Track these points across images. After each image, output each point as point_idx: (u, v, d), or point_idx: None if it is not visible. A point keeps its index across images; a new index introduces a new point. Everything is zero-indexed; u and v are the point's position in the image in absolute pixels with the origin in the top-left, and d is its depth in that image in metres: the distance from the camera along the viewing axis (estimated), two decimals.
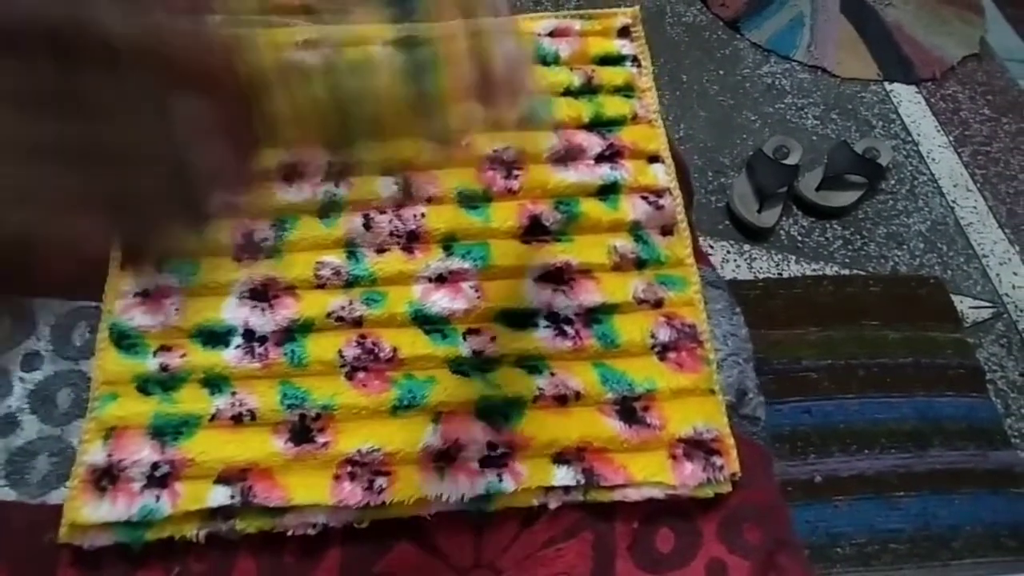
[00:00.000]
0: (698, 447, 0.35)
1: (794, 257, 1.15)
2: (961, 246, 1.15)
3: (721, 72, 1.29)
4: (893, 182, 1.20)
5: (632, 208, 0.41)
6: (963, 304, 1.11)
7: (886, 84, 1.25)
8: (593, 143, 0.43)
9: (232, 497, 0.33)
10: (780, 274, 1.15)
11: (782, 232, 1.19)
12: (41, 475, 0.35)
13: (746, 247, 1.17)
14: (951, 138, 1.22)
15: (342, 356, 0.37)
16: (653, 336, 0.38)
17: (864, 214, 1.18)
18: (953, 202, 1.18)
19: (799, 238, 1.17)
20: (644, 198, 0.42)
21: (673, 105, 1.28)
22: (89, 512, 0.33)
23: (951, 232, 1.16)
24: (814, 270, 1.15)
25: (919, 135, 1.21)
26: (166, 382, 0.36)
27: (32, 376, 0.38)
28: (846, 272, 1.14)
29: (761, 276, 1.16)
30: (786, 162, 1.17)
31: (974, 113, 1.24)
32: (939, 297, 1.13)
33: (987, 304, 1.12)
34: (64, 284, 0.40)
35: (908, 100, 1.23)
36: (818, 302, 1.13)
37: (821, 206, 1.18)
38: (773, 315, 1.11)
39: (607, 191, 0.42)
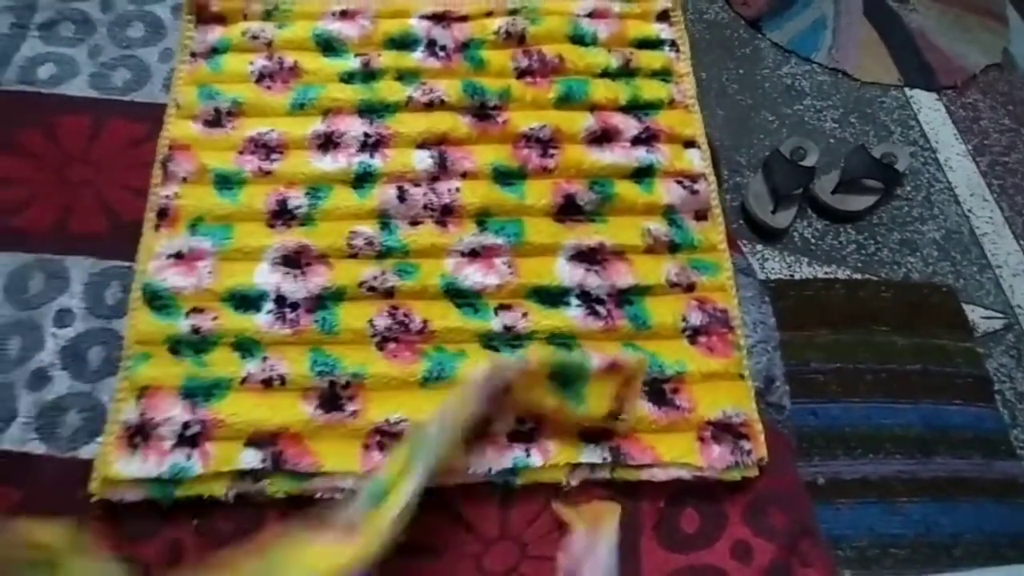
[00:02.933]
0: (727, 430, 0.36)
1: (807, 259, 1.15)
2: (975, 256, 1.15)
3: (741, 71, 1.29)
4: (909, 188, 1.20)
5: (667, 192, 0.41)
6: (974, 314, 1.11)
7: (906, 90, 1.25)
8: (629, 125, 0.43)
9: (263, 460, 0.33)
10: (792, 276, 1.15)
11: (796, 234, 1.19)
12: (72, 430, 0.35)
13: (759, 247, 1.17)
14: (970, 147, 1.22)
15: (373, 326, 0.37)
16: (684, 319, 0.38)
17: (879, 219, 1.18)
18: (969, 211, 1.18)
19: (812, 240, 1.17)
20: (679, 182, 0.42)
21: None
22: (121, 467, 0.33)
23: (966, 241, 1.16)
24: (826, 273, 1.15)
25: (937, 142, 1.21)
26: (197, 344, 0.36)
27: (64, 332, 0.38)
28: (858, 276, 1.14)
29: (773, 277, 1.16)
30: (803, 164, 1.17)
31: (994, 123, 1.24)
32: (950, 306, 1.13)
33: (998, 315, 1.12)
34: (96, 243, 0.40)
35: (928, 107, 1.23)
36: (829, 305, 1.13)
37: (836, 209, 1.18)
38: (783, 316, 1.11)
39: (642, 174, 0.42)
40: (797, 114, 1.24)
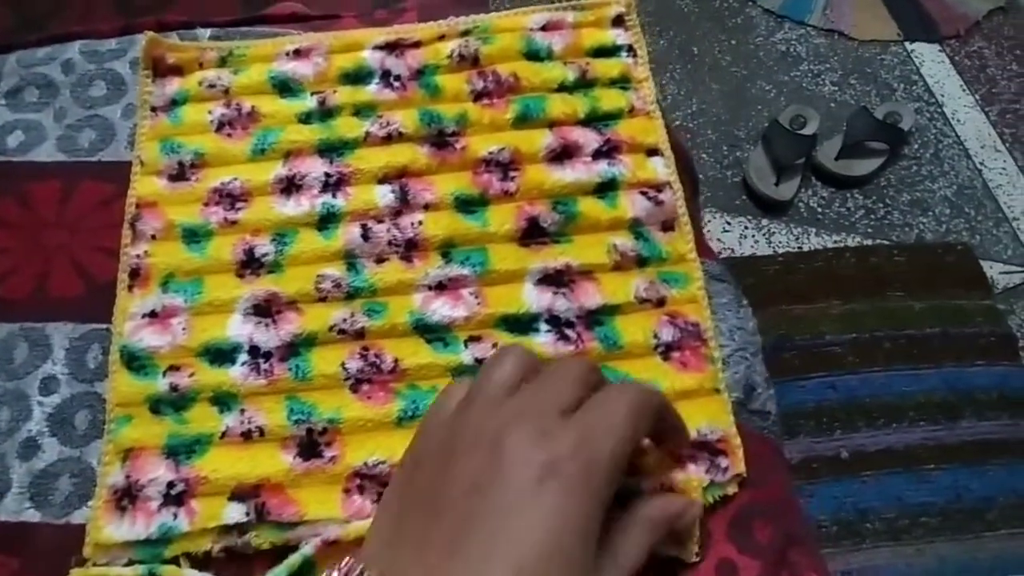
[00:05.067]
0: (703, 448, 0.35)
1: (814, 230, 1.13)
2: (990, 210, 1.11)
3: (733, 42, 1.26)
4: (916, 147, 1.16)
5: (631, 205, 0.41)
6: (993, 270, 1.08)
7: (907, 44, 1.21)
8: (590, 139, 0.42)
9: (247, 514, 0.34)
10: (800, 248, 1.13)
11: (801, 204, 1.16)
12: (64, 495, 0.36)
13: (764, 222, 1.16)
14: (977, 97, 1.18)
15: (345, 369, 0.37)
16: (656, 336, 0.38)
17: (887, 181, 1.15)
18: (981, 164, 1.14)
19: (819, 210, 1.15)
20: (643, 193, 0.41)
21: (685, 79, 1.25)
22: (111, 531, 0.34)
23: (979, 195, 1.12)
24: (835, 242, 1.13)
25: (943, 96, 1.17)
26: (176, 402, 0.37)
27: (50, 400, 0.39)
28: (869, 242, 1.12)
29: (780, 251, 1.14)
30: (803, 132, 1.15)
31: (1001, 69, 1.19)
32: (967, 264, 1.10)
33: (1018, 268, 1.09)
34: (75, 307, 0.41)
35: (931, 60, 1.19)
36: (840, 275, 1.11)
37: (841, 176, 1.15)
38: (794, 290, 1.10)
39: (605, 188, 0.41)
40: (794, 81, 1.21)
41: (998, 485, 1.00)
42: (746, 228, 1.11)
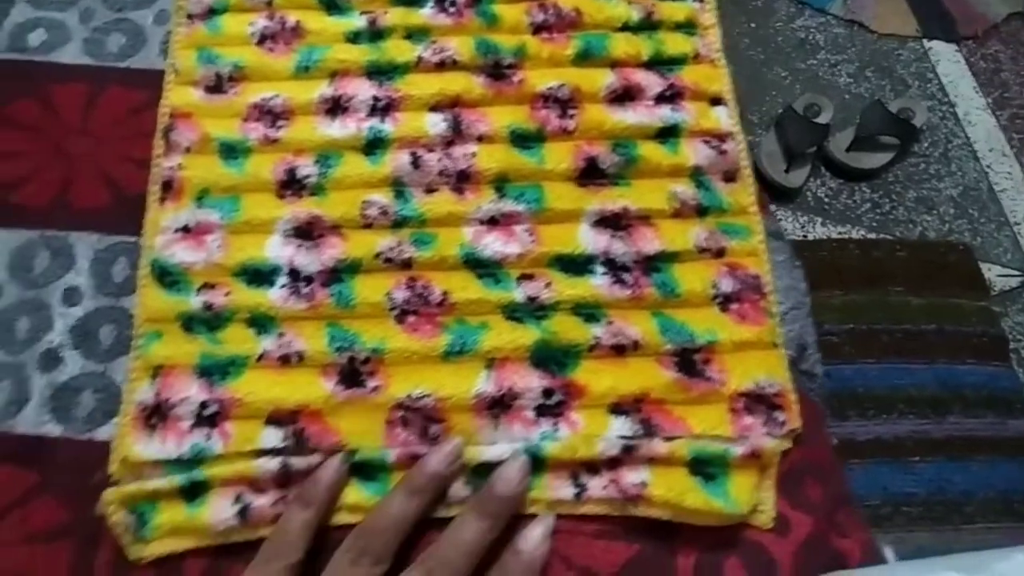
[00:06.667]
0: (760, 401, 0.34)
1: (820, 219, 1.13)
2: (993, 213, 1.13)
3: (752, 25, 1.25)
4: (926, 144, 1.17)
5: (694, 152, 0.39)
6: (991, 272, 1.10)
7: (925, 41, 1.21)
8: (653, 83, 0.41)
9: (285, 439, 0.33)
10: (805, 236, 1.13)
11: (809, 193, 1.16)
12: (87, 411, 0.34)
13: (772, 208, 1.15)
14: (990, 100, 1.19)
15: (391, 299, 0.36)
16: (715, 286, 0.37)
17: (894, 177, 1.15)
18: (988, 167, 1.15)
19: (826, 200, 1.15)
20: (706, 142, 0.40)
21: None
22: (140, 449, 0.32)
23: (983, 198, 1.13)
24: (840, 233, 1.13)
25: (956, 96, 1.18)
26: (211, 321, 0.35)
27: (73, 311, 0.36)
28: (873, 236, 1.12)
29: (786, 238, 1.14)
30: (817, 121, 1.14)
31: (1015, 74, 1.20)
32: (967, 264, 1.11)
33: (1016, 273, 1.11)
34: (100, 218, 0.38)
35: (947, 59, 1.19)
36: (843, 266, 1.12)
37: (851, 167, 1.15)
38: None
39: (667, 134, 0.40)
40: (811, 69, 1.21)
41: (979, 480, 1.01)
42: None
